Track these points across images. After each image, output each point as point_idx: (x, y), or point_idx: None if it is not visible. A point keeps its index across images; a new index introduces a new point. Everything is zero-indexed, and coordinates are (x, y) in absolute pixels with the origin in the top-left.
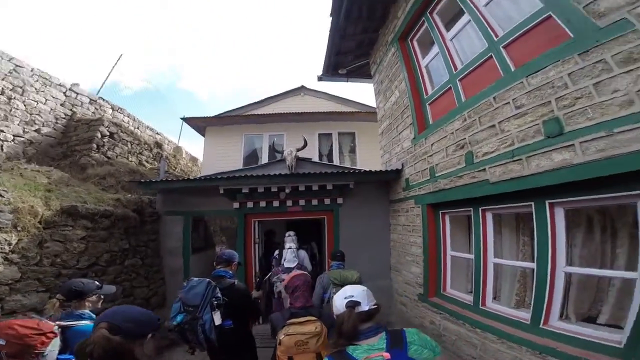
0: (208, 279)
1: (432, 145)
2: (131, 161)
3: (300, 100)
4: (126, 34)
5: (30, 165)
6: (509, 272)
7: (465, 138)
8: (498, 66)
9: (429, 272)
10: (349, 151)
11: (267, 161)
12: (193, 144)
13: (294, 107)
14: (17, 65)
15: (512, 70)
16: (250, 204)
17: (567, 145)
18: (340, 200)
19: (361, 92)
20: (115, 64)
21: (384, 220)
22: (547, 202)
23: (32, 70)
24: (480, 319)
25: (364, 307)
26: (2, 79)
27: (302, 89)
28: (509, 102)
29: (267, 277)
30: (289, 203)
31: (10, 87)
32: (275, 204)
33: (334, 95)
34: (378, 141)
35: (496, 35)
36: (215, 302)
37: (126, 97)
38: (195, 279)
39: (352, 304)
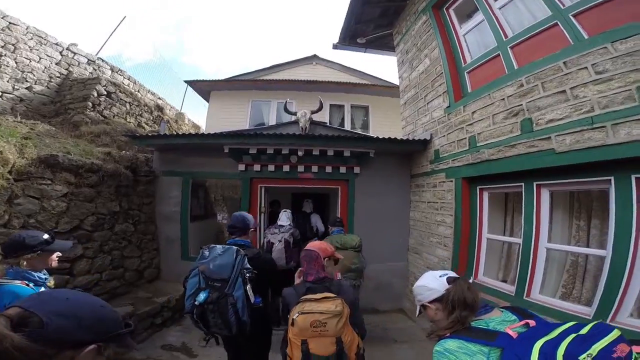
0: (236, 247)
1: (472, 113)
2: (129, 122)
3: (311, 69)
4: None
5: (13, 118)
6: (557, 261)
7: (521, 104)
8: (565, 33)
9: (460, 256)
10: (361, 126)
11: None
12: (196, 114)
13: (305, 76)
14: (10, 23)
15: (585, 37)
16: (257, 167)
17: None
18: (357, 170)
19: (375, 68)
20: (117, 26)
21: (403, 197)
22: (633, 176)
23: (27, 29)
24: None
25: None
26: None
27: (314, 57)
28: (586, 67)
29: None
30: (301, 169)
31: (2, 44)
32: (286, 168)
33: (347, 67)
34: (393, 116)
35: (563, 5)
36: (248, 275)
37: (129, 69)
38: (219, 246)
39: (456, 278)
